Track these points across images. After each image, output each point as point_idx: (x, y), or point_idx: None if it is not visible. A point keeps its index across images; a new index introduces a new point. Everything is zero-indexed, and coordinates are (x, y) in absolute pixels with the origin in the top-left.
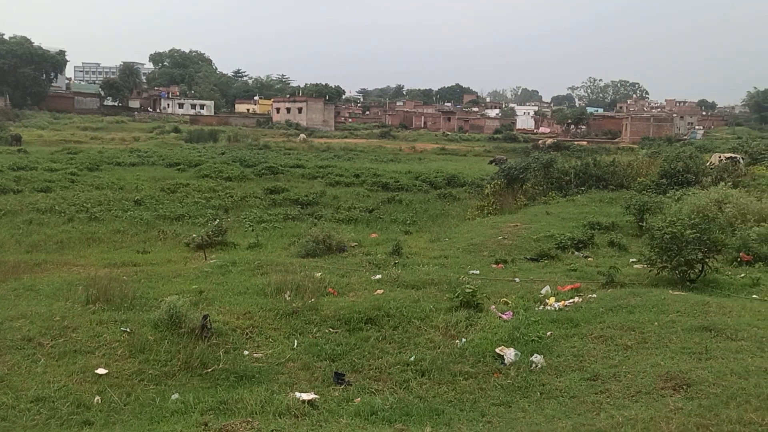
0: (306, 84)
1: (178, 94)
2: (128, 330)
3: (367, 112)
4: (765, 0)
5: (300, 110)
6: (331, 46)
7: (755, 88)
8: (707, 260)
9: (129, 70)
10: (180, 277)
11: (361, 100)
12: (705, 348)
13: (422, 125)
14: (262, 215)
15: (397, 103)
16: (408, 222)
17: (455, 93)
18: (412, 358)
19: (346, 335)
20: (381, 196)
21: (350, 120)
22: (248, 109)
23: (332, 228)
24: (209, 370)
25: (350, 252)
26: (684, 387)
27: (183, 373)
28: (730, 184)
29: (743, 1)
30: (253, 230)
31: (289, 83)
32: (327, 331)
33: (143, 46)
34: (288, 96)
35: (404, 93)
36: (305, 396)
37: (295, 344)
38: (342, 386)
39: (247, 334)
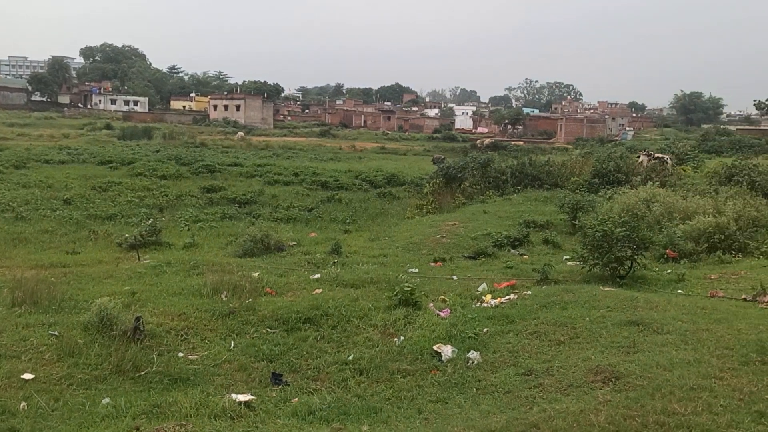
0: (244, 81)
1: (110, 89)
2: (56, 333)
3: (307, 111)
4: (687, 14)
5: (238, 108)
6: (270, 42)
7: (681, 91)
8: (636, 257)
9: (58, 64)
10: (112, 278)
11: (301, 98)
12: (633, 342)
13: (362, 124)
14: (198, 214)
15: (337, 102)
16: (347, 221)
17: (395, 92)
18: (350, 357)
19: (284, 335)
20: (320, 195)
21: (289, 118)
22: (184, 106)
23: (271, 227)
24: (142, 373)
25: (289, 251)
26: (613, 380)
27: (114, 376)
28: (657, 183)
29: (669, 14)
30: (188, 230)
31: (226, 80)
32: (264, 331)
33: (73, 40)
34: (226, 93)
35: (344, 91)
36: (242, 397)
37: (232, 345)
38: (279, 387)
39: (181, 335)
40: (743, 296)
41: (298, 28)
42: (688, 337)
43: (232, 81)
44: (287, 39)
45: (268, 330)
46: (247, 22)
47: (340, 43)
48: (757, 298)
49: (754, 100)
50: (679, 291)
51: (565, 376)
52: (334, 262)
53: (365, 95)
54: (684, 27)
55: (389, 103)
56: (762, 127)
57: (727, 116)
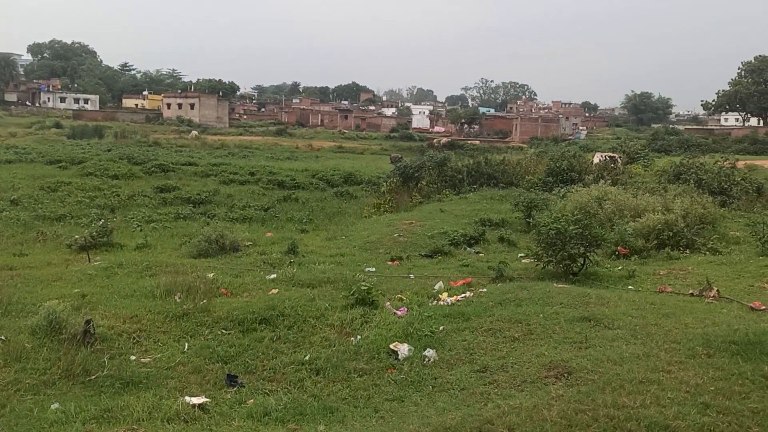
0: (198, 79)
1: (59, 87)
2: (3, 338)
3: (263, 109)
4: (638, 19)
5: (192, 106)
6: (224, 40)
7: (632, 91)
8: (588, 254)
9: (5, 61)
10: (61, 280)
11: (257, 96)
12: (585, 337)
13: (319, 123)
14: (151, 215)
15: (294, 101)
16: (304, 220)
17: (352, 91)
18: (306, 357)
19: (240, 336)
20: (277, 194)
21: (245, 117)
22: (137, 105)
23: (226, 227)
24: (93, 378)
25: (244, 251)
26: (565, 375)
27: (64, 381)
28: (609, 182)
29: (620, 19)
30: (141, 230)
31: (180, 78)
32: (219, 332)
33: (21, 36)
34: (179, 91)
35: (301, 90)
36: (195, 400)
37: (186, 347)
38: (235, 388)
39: (134, 338)
40: (690, 291)
41: (253, 24)
42: (638, 331)
43: (186, 79)
44: (242, 36)
45: (223, 331)
46: (200, 17)
47: (297, 41)
48: (704, 293)
49: (701, 101)
50: (630, 287)
51: (519, 372)
52: (291, 262)
53: (322, 94)
54: (635, 31)
55: (346, 102)
56: (709, 127)
57: (676, 116)
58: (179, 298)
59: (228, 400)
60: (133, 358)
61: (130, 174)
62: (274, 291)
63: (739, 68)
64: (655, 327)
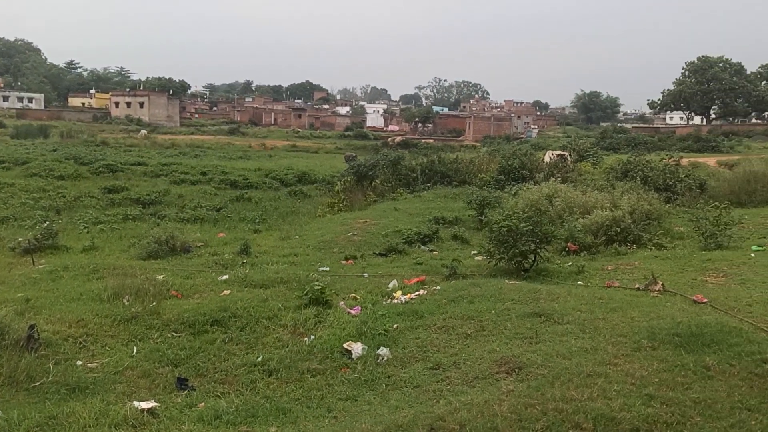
0: (148, 77)
1: (2, 86)
2: None
3: (215, 108)
4: (586, 20)
5: (142, 105)
6: (174, 37)
7: (582, 90)
8: (539, 251)
9: None
10: (3, 284)
11: (208, 95)
12: (535, 333)
13: (272, 122)
14: (99, 216)
15: (246, 99)
16: (257, 220)
17: (306, 90)
18: (259, 359)
19: (191, 339)
20: (229, 194)
21: (197, 116)
22: (84, 103)
23: (177, 228)
24: (37, 384)
25: (196, 252)
26: (516, 370)
27: (6, 388)
28: (559, 179)
29: (568, 20)
30: (88, 232)
31: (128, 76)
32: (169, 335)
33: None
34: (128, 90)
35: (253, 89)
36: (144, 405)
37: (135, 351)
38: (185, 392)
39: (80, 343)
40: (636, 286)
41: (203, 21)
42: (586, 326)
43: (134, 77)
44: (192, 33)
45: (174, 334)
46: (150, 11)
47: (248, 39)
48: (649, 287)
49: (648, 100)
50: (579, 282)
51: (471, 368)
52: (243, 263)
53: (275, 93)
54: (584, 32)
55: (300, 101)
56: (655, 125)
57: (624, 115)
58: (127, 300)
59: (178, 404)
60: (79, 363)
61: (77, 174)
62: (227, 292)
63: (683, 68)
64: (602, 321)
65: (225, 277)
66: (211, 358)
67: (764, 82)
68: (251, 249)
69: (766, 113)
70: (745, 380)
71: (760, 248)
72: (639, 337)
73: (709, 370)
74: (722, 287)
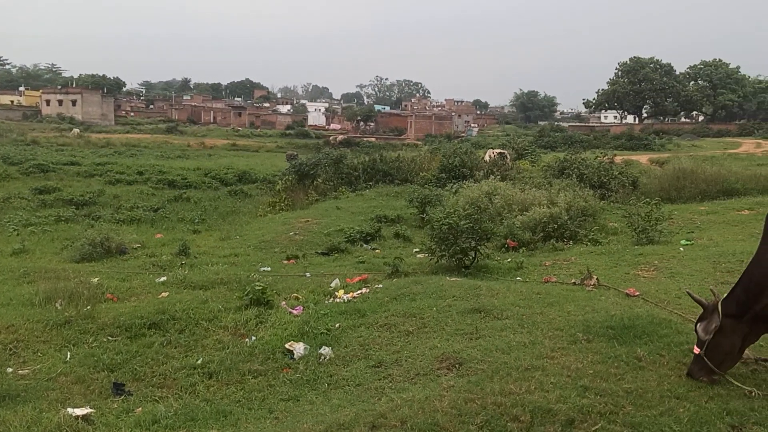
0: (81, 74)
1: None
2: None
3: (152, 106)
4: (522, 20)
5: (74, 103)
6: (107, 33)
7: (521, 89)
8: (479, 248)
9: None
10: None
11: (144, 93)
12: (476, 328)
13: (212, 120)
14: (29, 218)
15: (184, 97)
16: (197, 221)
17: (245, 88)
18: (199, 361)
19: (127, 342)
20: (167, 194)
21: (132, 114)
22: (12, 101)
23: (112, 229)
24: None
25: (132, 254)
26: (456, 366)
27: None
28: (498, 177)
29: (503, 21)
30: (18, 234)
31: (60, 73)
32: (105, 339)
33: None
34: (60, 87)
35: (191, 86)
36: (79, 411)
37: (68, 357)
38: (121, 397)
39: (10, 349)
40: (573, 280)
41: (137, 16)
42: (525, 320)
43: (66, 74)
44: (126, 29)
45: (109, 338)
46: (80, 10)
47: (185, 36)
48: (584, 282)
49: (583, 99)
50: (518, 278)
51: (413, 365)
52: (182, 264)
53: (214, 90)
54: (521, 32)
55: (240, 99)
56: (590, 124)
57: (561, 114)
58: (60, 305)
59: (114, 409)
60: (9, 370)
61: (6, 175)
62: (165, 294)
63: (616, 69)
64: (540, 316)
65: (163, 278)
66: (149, 362)
67: (692, 82)
68: (190, 250)
69: (694, 112)
70: (674, 370)
71: (689, 242)
72: (575, 330)
73: (640, 361)
74: (653, 281)
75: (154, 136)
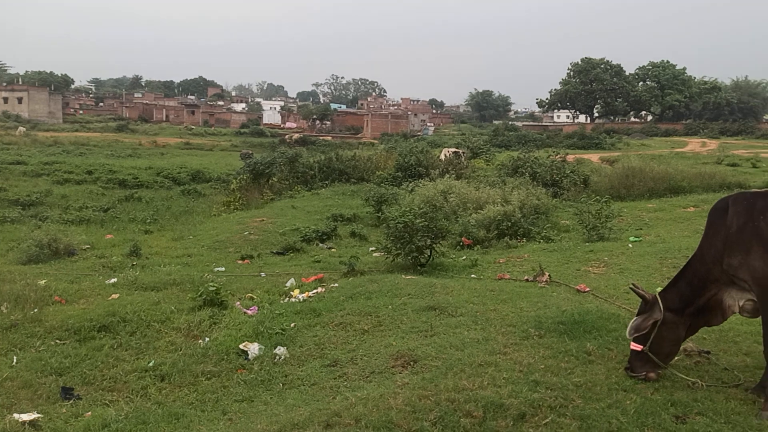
0: (27, 71)
1: None
2: None
3: (101, 104)
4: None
5: (20, 100)
6: (55, 29)
7: (475, 89)
8: (435, 246)
9: None
10: None
11: (94, 90)
12: (430, 326)
13: (164, 118)
14: None
15: (136, 95)
16: (149, 221)
17: (199, 86)
18: (150, 364)
19: (76, 346)
20: (118, 193)
21: (81, 112)
22: None
23: (60, 230)
24: None
25: (81, 255)
26: (411, 363)
27: None
28: (454, 176)
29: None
30: None
31: (5, 70)
32: (53, 343)
33: None
34: (5, 84)
35: (143, 84)
36: (26, 417)
37: (14, 361)
38: (71, 401)
39: None
40: (526, 277)
41: (86, 13)
42: (479, 317)
43: (12, 71)
44: (76, 25)
45: (57, 341)
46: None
47: (136, 33)
48: (537, 279)
49: (537, 99)
50: (473, 275)
51: (368, 363)
52: (133, 265)
53: (167, 88)
54: (474, 31)
55: (193, 97)
56: (543, 123)
57: (515, 113)
58: (6, 308)
59: (63, 414)
60: None
61: None
62: (115, 296)
63: (568, 69)
64: (494, 312)
65: (113, 280)
66: (99, 366)
67: (641, 83)
68: (142, 250)
69: (643, 112)
70: (621, 363)
71: (637, 239)
72: (527, 326)
73: (590, 355)
74: (603, 276)
75: (104, 135)
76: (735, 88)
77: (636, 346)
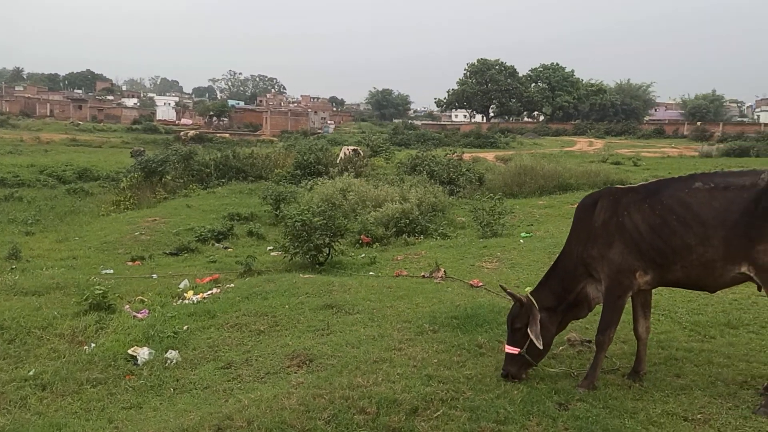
0: None
1: None
2: None
3: None
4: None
5: None
6: None
7: (375, 88)
8: (333, 244)
9: None
10: None
11: None
12: (327, 324)
13: (48, 113)
14: None
15: (16, 88)
16: (30, 221)
17: (86, 79)
18: (31, 372)
19: None
20: None
21: None
22: None
23: None
24: None
25: None
26: (307, 362)
27: None
28: (353, 174)
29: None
30: None
31: None
32: None
33: None
34: None
35: (25, 77)
36: None
37: None
38: None
39: None
40: (422, 274)
41: None
42: (375, 314)
43: None
44: None
45: None
46: None
47: (15, 22)
48: (433, 275)
49: (435, 98)
50: (371, 273)
51: (264, 364)
52: (12, 269)
53: (51, 81)
54: (375, 28)
55: (80, 91)
56: (442, 123)
57: (414, 112)
58: None
59: None
60: None
61: None
62: None
63: (465, 69)
64: (390, 309)
65: None
66: None
67: (533, 84)
68: (22, 253)
69: (535, 112)
70: None
71: (528, 235)
72: (422, 321)
73: (481, 348)
74: (495, 271)
75: None
76: (619, 91)
77: (512, 350)
